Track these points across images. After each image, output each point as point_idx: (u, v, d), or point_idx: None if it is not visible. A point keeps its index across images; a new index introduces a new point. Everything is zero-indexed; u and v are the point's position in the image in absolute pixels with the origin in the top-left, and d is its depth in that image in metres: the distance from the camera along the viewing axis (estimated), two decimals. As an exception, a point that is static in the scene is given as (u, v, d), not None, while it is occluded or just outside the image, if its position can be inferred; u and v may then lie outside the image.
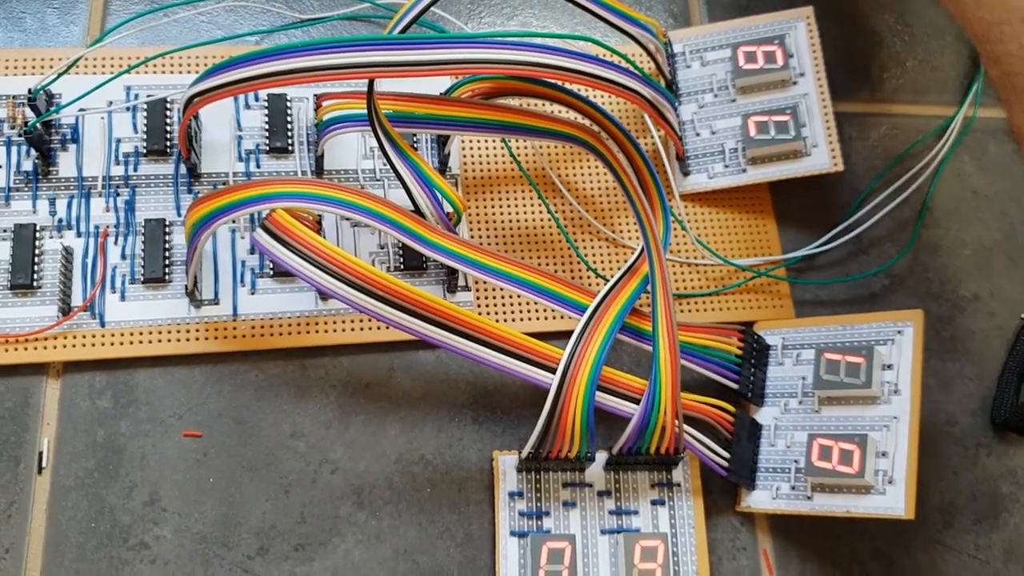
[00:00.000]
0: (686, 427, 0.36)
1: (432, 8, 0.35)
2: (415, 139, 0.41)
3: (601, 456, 0.37)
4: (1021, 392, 0.42)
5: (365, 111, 0.37)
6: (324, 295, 0.38)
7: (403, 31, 0.34)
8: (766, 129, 0.42)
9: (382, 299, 0.32)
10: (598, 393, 0.35)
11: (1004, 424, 0.41)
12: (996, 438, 0.42)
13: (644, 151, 0.37)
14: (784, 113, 0.42)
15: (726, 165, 0.43)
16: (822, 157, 0.42)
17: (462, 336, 0.34)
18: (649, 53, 0.42)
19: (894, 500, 0.35)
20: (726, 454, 0.37)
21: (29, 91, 0.36)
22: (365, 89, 0.38)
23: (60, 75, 0.37)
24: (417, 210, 0.36)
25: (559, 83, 0.38)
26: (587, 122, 0.38)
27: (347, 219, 0.39)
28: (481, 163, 0.42)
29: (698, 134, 0.43)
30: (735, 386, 0.38)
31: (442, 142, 0.41)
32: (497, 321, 0.39)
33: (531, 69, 0.33)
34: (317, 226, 0.37)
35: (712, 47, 0.44)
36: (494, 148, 0.42)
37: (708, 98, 0.43)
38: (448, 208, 0.37)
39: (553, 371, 0.34)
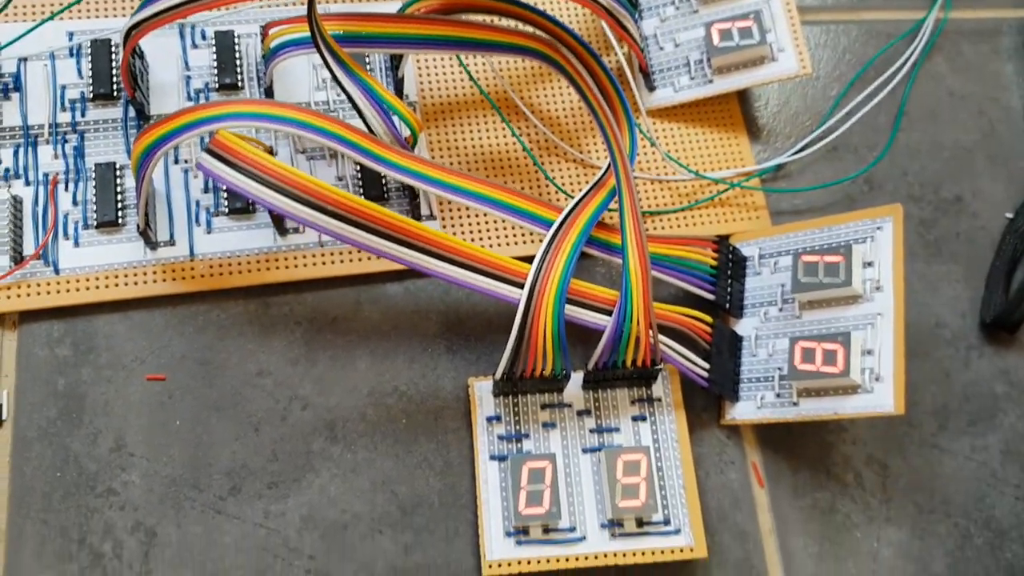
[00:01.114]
0: (663, 338, 0.35)
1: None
2: (368, 65, 0.40)
3: (578, 376, 0.36)
4: (1010, 291, 0.41)
5: (308, 34, 0.36)
6: (287, 229, 0.37)
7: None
8: (730, 36, 0.41)
9: (344, 219, 0.31)
10: (569, 307, 0.33)
11: (994, 323, 0.40)
12: (987, 339, 0.40)
13: (603, 61, 0.36)
14: (747, 18, 0.41)
15: (692, 77, 0.41)
16: (790, 61, 0.41)
17: (429, 255, 0.33)
18: None
19: (882, 397, 0.34)
20: (706, 364, 0.36)
21: (-36, 37, 0.35)
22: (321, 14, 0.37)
23: (-4, 18, 0.36)
24: (371, 132, 0.35)
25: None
26: (543, 35, 0.37)
27: (302, 150, 0.38)
28: (440, 88, 0.41)
29: (661, 48, 0.42)
30: (711, 297, 0.37)
31: (395, 65, 0.39)
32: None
33: None
34: (268, 151, 0.36)
35: None
36: (451, 72, 0.41)
37: (670, 11, 0.42)
38: (405, 132, 0.35)
39: (520, 285, 0.33)
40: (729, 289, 0.38)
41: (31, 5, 0.39)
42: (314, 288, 0.37)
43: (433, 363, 0.37)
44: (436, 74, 0.41)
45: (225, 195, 0.37)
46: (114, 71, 0.38)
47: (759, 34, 0.40)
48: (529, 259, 0.36)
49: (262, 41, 0.38)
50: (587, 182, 0.40)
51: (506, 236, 0.39)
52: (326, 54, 0.33)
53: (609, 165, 0.37)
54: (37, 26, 0.37)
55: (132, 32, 0.34)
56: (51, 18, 0.37)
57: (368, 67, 0.40)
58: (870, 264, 0.36)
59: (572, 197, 0.40)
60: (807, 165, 0.42)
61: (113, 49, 0.38)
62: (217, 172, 0.32)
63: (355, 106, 0.34)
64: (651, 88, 0.42)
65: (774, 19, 0.41)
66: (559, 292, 0.33)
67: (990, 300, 0.41)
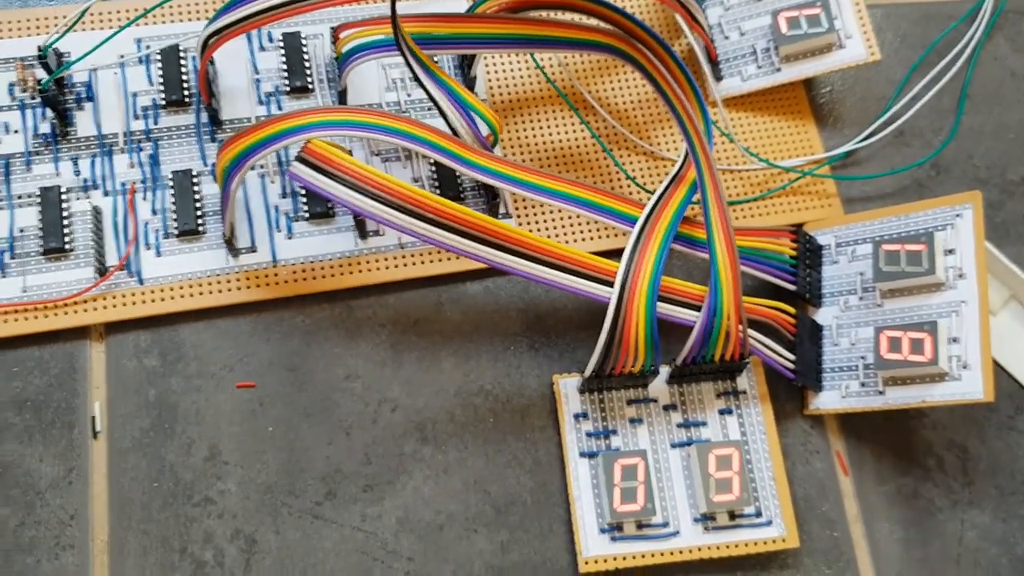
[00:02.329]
0: (749, 331, 0.35)
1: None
2: (436, 61, 0.40)
3: (664, 370, 0.36)
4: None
5: (385, 37, 0.36)
6: (367, 232, 0.37)
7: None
8: (798, 24, 0.40)
9: (435, 222, 0.31)
10: (659, 304, 0.34)
11: None
12: (1058, 320, 0.41)
13: (677, 55, 0.36)
14: (815, 6, 0.40)
15: (759, 66, 0.41)
16: (858, 48, 0.40)
17: (518, 256, 0.33)
18: None
19: (971, 384, 0.34)
20: (791, 356, 0.36)
21: (39, 48, 0.35)
22: (381, 15, 0.37)
23: (70, 28, 0.36)
24: (454, 133, 0.35)
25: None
26: (615, 29, 0.37)
27: (376, 152, 0.38)
28: (508, 84, 0.40)
29: (727, 37, 0.42)
30: (792, 287, 0.37)
31: (467, 65, 0.39)
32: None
33: None
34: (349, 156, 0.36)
35: None
36: (520, 69, 0.41)
37: (733, -1, 0.42)
38: (485, 130, 0.35)
39: (606, 283, 0.33)
40: (808, 278, 0.38)
41: (98, 13, 0.39)
42: (396, 290, 0.37)
43: (516, 361, 0.37)
44: (504, 71, 0.41)
45: (304, 200, 0.37)
46: (183, 77, 0.38)
47: (827, 21, 0.40)
48: (603, 254, 0.37)
49: (333, 44, 0.38)
50: (656, 174, 0.40)
51: (580, 232, 0.39)
52: (410, 58, 0.33)
53: (686, 158, 0.37)
54: (113, 35, 0.36)
55: (210, 41, 0.33)
56: (127, 26, 0.37)
57: (436, 63, 0.39)
58: (951, 251, 0.36)
59: (644, 189, 0.40)
60: (874, 151, 0.42)
61: (181, 55, 0.38)
62: (310, 180, 0.31)
63: (438, 108, 0.34)
64: (718, 77, 0.42)
65: (840, 5, 0.41)
66: (651, 290, 0.33)
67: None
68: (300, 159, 0.32)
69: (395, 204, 0.31)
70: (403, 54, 0.33)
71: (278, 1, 0.31)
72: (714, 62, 0.41)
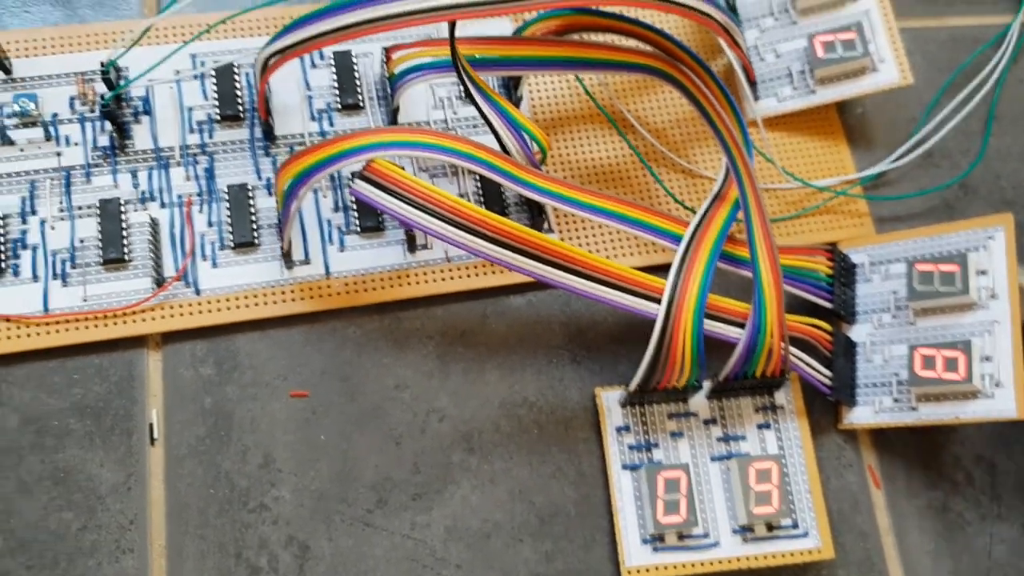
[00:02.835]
0: (789, 348, 0.36)
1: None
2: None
3: (705, 385, 0.37)
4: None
5: (438, 58, 0.37)
6: (416, 246, 0.38)
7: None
8: (833, 48, 0.41)
9: (491, 239, 0.32)
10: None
11: None
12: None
13: (718, 76, 0.37)
14: (850, 31, 0.42)
15: (795, 88, 0.42)
16: (891, 72, 0.42)
17: (567, 271, 0.34)
18: None
19: (1004, 402, 0.35)
20: (828, 372, 0.37)
21: (102, 64, 0.36)
22: (432, 37, 0.38)
23: (131, 47, 0.37)
24: (505, 151, 0.36)
25: (629, 15, 0.38)
26: (659, 52, 0.38)
27: (424, 168, 0.39)
28: (551, 103, 0.42)
29: (763, 59, 0.43)
30: (829, 305, 0.38)
31: (512, 86, 0.40)
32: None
33: None
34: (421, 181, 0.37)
35: None
36: (562, 89, 0.42)
37: (769, 22, 0.43)
38: (534, 148, 0.36)
39: (653, 300, 0.34)
40: (843, 296, 0.39)
41: (155, 29, 0.39)
42: (443, 302, 0.38)
43: (559, 373, 0.38)
44: (548, 91, 0.42)
45: (356, 214, 0.38)
46: (237, 93, 0.39)
47: (862, 46, 0.41)
48: (644, 270, 0.38)
49: (385, 64, 0.39)
50: (695, 191, 0.41)
51: (622, 248, 0.40)
52: (467, 80, 0.34)
53: (727, 176, 0.38)
54: (173, 53, 0.37)
55: (270, 61, 0.34)
56: (189, 42, 0.38)
57: (486, 85, 0.41)
58: (983, 272, 0.37)
59: (683, 206, 0.41)
60: (905, 172, 0.43)
61: (236, 72, 0.39)
62: (373, 198, 0.33)
63: (491, 127, 0.35)
64: (755, 98, 0.43)
65: (874, 30, 0.42)
66: (698, 307, 0.34)
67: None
68: (363, 177, 0.33)
69: (451, 220, 0.33)
70: (460, 75, 0.35)
71: (339, 24, 0.32)
72: (752, 83, 0.42)
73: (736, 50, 0.40)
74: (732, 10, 0.43)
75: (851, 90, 0.42)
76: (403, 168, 0.36)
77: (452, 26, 0.34)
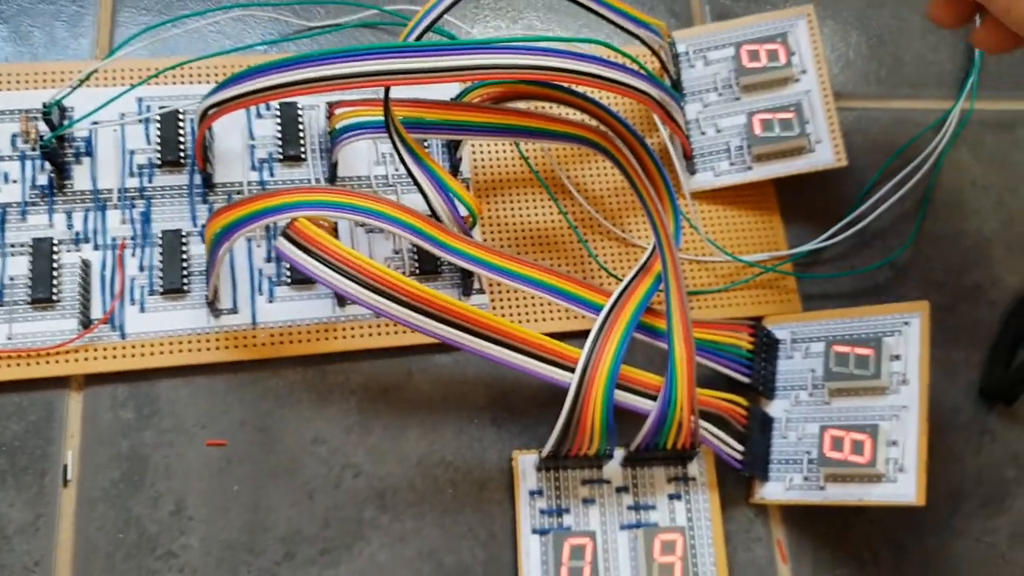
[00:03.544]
0: (701, 422, 0.37)
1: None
2: (426, 143, 0.42)
3: (618, 452, 0.38)
4: (1011, 364, 0.43)
5: (378, 118, 0.38)
6: (346, 300, 0.38)
7: (417, 38, 0.35)
8: (771, 127, 0.42)
9: (405, 303, 0.33)
10: (616, 391, 0.35)
11: (991, 393, 0.42)
12: (999, 424, 0.43)
13: (653, 151, 0.38)
14: (788, 111, 0.43)
15: (732, 163, 0.43)
16: (826, 153, 0.43)
17: (482, 337, 0.34)
18: (653, 52, 0.43)
19: (905, 487, 0.35)
20: (741, 447, 0.38)
21: (44, 105, 0.37)
22: (376, 96, 0.38)
23: (74, 89, 0.37)
24: (434, 214, 0.37)
25: (568, 86, 0.38)
26: (596, 123, 0.39)
27: (361, 224, 0.40)
28: (491, 165, 0.42)
29: (703, 132, 0.44)
30: (747, 380, 0.39)
31: (453, 146, 0.41)
32: (513, 322, 0.40)
33: (544, 73, 0.34)
34: (333, 231, 0.37)
35: (715, 46, 0.44)
36: (504, 150, 0.43)
37: (712, 97, 0.44)
38: (463, 211, 0.37)
39: (569, 369, 0.35)
40: (763, 371, 0.40)
41: (103, 71, 0.40)
42: (369, 357, 0.39)
43: (479, 434, 0.39)
44: (488, 152, 0.43)
45: (288, 266, 0.39)
46: (180, 139, 0.39)
47: (799, 126, 0.42)
48: (573, 335, 0.38)
49: (328, 119, 0.40)
50: (629, 260, 0.42)
51: (552, 313, 0.40)
52: (397, 142, 0.35)
53: (654, 249, 0.39)
54: (118, 97, 0.38)
55: (209, 112, 0.35)
56: (136, 87, 0.39)
57: (425, 144, 0.41)
58: (897, 357, 0.38)
59: (615, 276, 0.42)
60: (837, 251, 0.44)
61: (180, 118, 0.40)
62: (293, 257, 0.33)
63: (421, 191, 0.36)
64: (691, 171, 0.44)
65: (813, 111, 0.43)
66: (609, 378, 0.35)
67: (991, 371, 0.43)
68: (286, 236, 0.33)
69: (370, 285, 0.33)
70: (392, 139, 0.35)
71: (278, 82, 0.33)
72: (688, 157, 0.43)
73: (671, 125, 0.41)
74: (676, 83, 0.44)
75: (787, 168, 0.43)
76: (335, 226, 0.37)
77: (387, 90, 0.35)
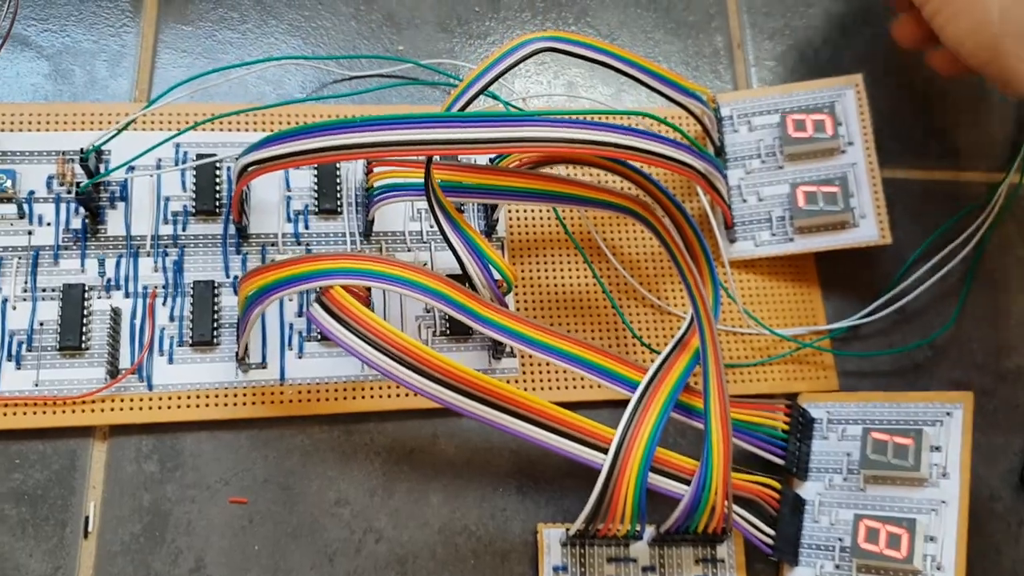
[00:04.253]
0: (733, 506, 0.36)
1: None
2: (461, 204, 0.41)
3: (647, 531, 0.37)
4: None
5: (416, 180, 0.38)
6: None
7: (462, 108, 0.34)
8: (815, 200, 0.42)
9: (435, 379, 0.32)
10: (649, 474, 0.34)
11: None
12: (1038, 514, 0.41)
13: (694, 221, 0.37)
14: (833, 184, 0.42)
15: (773, 233, 0.42)
16: (870, 229, 0.42)
17: (512, 415, 0.33)
18: (696, 117, 0.42)
19: (943, 587, 0.35)
20: (771, 532, 0.37)
21: (82, 151, 0.36)
22: (415, 158, 0.38)
23: (112, 137, 0.37)
24: (468, 279, 0.36)
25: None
26: (636, 190, 0.38)
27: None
28: (527, 227, 0.42)
29: (745, 200, 0.43)
30: (781, 462, 0.38)
31: (490, 208, 0.40)
32: (541, 390, 0.39)
33: (589, 147, 0.33)
34: (367, 292, 0.37)
35: (760, 112, 0.44)
36: (539, 214, 0.42)
37: (755, 164, 0.43)
38: (498, 276, 0.36)
39: (600, 449, 0.34)
40: (797, 452, 0.39)
41: (144, 115, 0.40)
42: (395, 418, 0.38)
43: (503, 503, 0.38)
44: (525, 214, 0.42)
45: (317, 323, 0.38)
46: (216, 187, 0.39)
47: (843, 201, 0.41)
48: (605, 404, 0.38)
49: (366, 174, 0.39)
50: (663, 328, 0.41)
51: (584, 382, 0.40)
52: (437, 210, 0.34)
53: (691, 323, 0.38)
54: (156, 146, 0.38)
55: (249, 168, 0.34)
56: (171, 138, 0.38)
57: (461, 206, 0.41)
58: (938, 448, 0.37)
59: (647, 346, 0.41)
60: (876, 328, 0.43)
61: (216, 168, 0.39)
62: (326, 326, 0.33)
63: (458, 258, 0.35)
64: (731, 240, 0.43)
65: (858, 184, 0.42)
66: (644, 461, 0.34)
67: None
68: (320, 303, 0.33)
69: (400, 359, 0.33)
70: (431, 206, 0.35)
71: (320, 145, 0.32)
72: (729, 226, 0.43)
73: (714, 195, 0.40)
74: (719, 149, 0.43)
75: (829, 242, 0.42)
76: (369, 290, 0.36)
77: (429, 159, 0.34)
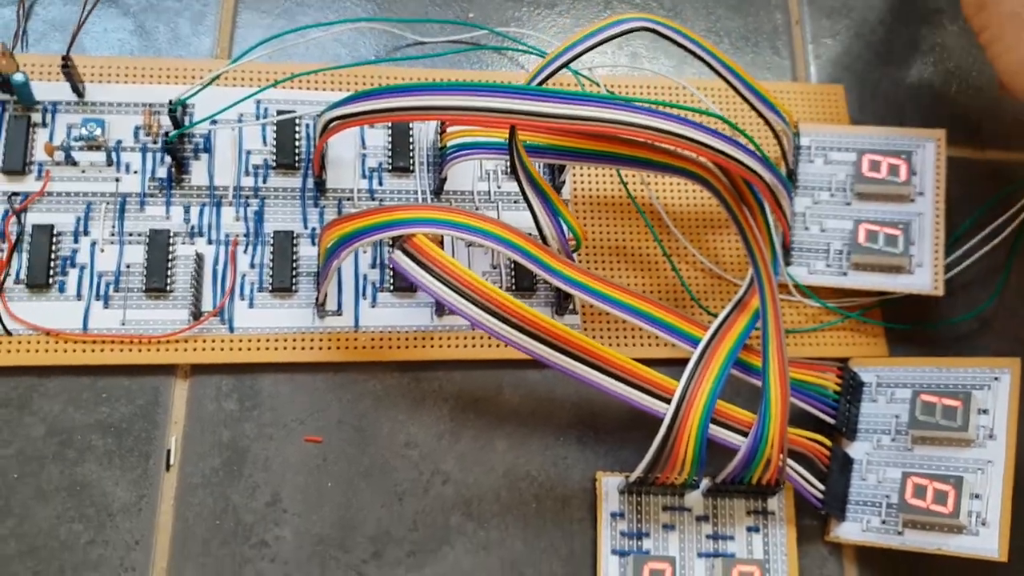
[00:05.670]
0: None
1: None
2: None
3: (703, 482, 0.38)
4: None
5: (489, 139, 0.39)
6: (444, 310, 0.39)
7: (541, 82, 0.35)
8: (875, 239, 0.42)
9: (514, 325, 0.34)
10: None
11: None
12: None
13: (760, 193, 0.38)
14: (897, 227, 0.42)
15: (828, 264, 0.43)
16: (925, 278, 0.42)
17: (578, 360, 0.35)
18: (775, 134, 0.42)
19: (988, 541, 0.36)
20: (821, 486, 0.38)
21: (170, 102, 0.38)
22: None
23: (199, 90, 0.39)
24: (541, 235, 0.37)
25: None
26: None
27: (473, 243, 0.41)
28: (592, 190, 0.43)
29: (807, 228, 0.43)
30: (832, 421, 0.40)
31: (557, 170, 0.42)
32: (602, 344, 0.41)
33: (664, 136, 0.33)
34: (439, 244, 0.38)
35: (839, 147, 0.44)
36: (604, 177, 0.43)
37: (824, 195, 0.44)
38: (569, 236, 0.38)
39: (662, 399, 0.36)
40: (847, 413, 0.40)
41: (226, 73, 0.41)
42: (463, 368, 0.40)
43: (564, 452, 0.40)
44: (589, 176, 0.43)
45: (391, 272, 0.40)
46: (296, 143, 0.41)
47: (903, 245, 0.42)
48: (657, 362, 0.39)
49: (438, 135, 0.41)
50: (718, 293, 0.43)
51: (642, 339, 0.41)
52: (519, 168, 0.36)
53: (750, 285, 0.39)
54: (239, 102, 0.40)
55: (332, 123, 0.36)
56: (255, 93, 0.40)
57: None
58: (985, 411, 0.38)
59: (707, 311, 0.42)
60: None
61: (296, 125, 0.41)
62: (410, 271, 0.34)
63: (533, 214, 0.37)
64: (787, 262, 0.43)
65: (922, 234, 0.42)
66: (705, 412, 0.35)
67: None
68: (403, 249, 0.34)
69: (478, 302, 0.34)
70: (512, 160, 0.36)
71: (403, 104, 0.33)
72: (787, 248, 0.43)
73: (777, 212, 0.40)
74: (792, 174, 0.44)
75: (882, 283, 0.42)
76: (441, 240, 0.37)
77: (513, 128, 0.35)
